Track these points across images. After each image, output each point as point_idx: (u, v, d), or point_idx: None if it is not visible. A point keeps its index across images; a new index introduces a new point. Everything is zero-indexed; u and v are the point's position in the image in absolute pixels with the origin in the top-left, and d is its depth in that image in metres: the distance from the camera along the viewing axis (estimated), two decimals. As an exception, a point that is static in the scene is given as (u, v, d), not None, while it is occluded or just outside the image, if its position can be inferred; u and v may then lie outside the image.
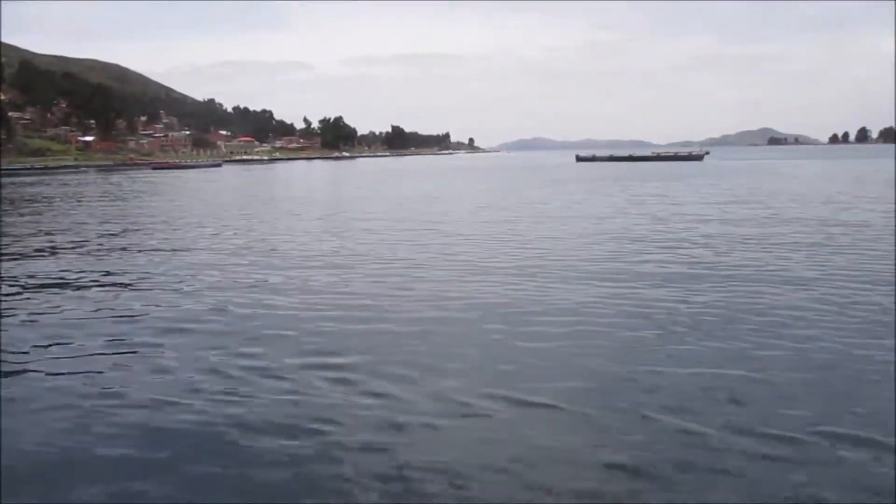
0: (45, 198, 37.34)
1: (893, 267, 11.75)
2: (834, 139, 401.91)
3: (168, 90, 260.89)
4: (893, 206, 23.47)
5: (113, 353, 7.70)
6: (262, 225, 21.43)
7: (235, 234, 19.09)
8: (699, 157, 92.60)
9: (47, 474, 4.95)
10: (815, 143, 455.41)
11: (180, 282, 11.86)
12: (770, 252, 13.54)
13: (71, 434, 5.57)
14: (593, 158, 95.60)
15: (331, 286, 11.07)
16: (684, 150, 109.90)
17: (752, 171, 58.86)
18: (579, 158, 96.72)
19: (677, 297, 9.65)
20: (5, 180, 61.26)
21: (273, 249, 15.66)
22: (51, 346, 8.02)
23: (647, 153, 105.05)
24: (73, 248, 16.69)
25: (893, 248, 13.89)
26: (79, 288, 11.54)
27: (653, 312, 8.79)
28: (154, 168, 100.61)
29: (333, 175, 71.42)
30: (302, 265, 13.29)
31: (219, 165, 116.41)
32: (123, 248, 16.30)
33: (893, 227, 17.46)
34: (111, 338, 8.30)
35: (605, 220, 20.57)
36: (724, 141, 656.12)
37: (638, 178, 46.90)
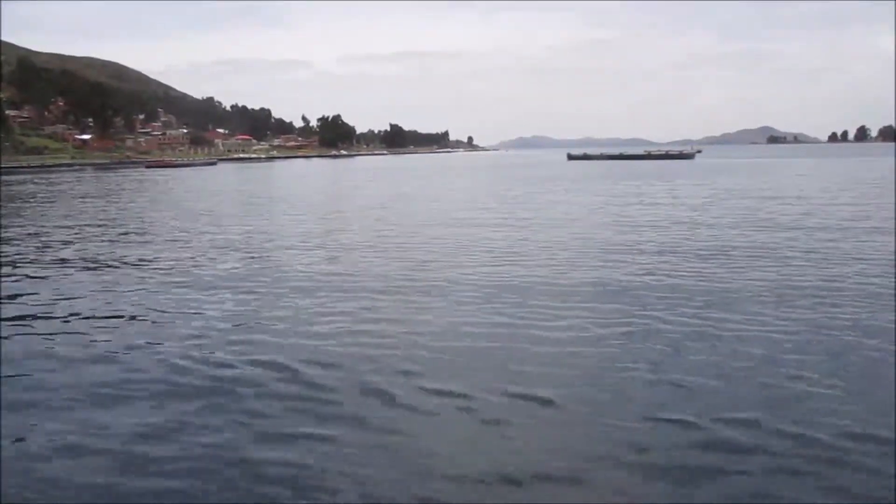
0: (23, 197, 37.83)
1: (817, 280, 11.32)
2: (833, 138, 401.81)
3: (167, 88, 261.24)
4: (862, 206, 23.91)
5: None
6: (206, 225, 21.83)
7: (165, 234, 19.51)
8: (690, 156, 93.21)
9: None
10: (814, 141, 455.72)
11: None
12: (712, 262, 12.97)
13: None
14: (584, 157, 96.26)
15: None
16: (677, 149, 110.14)
17: (739, 169, 59.18)
18: (571, 157, 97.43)
19: (600, 317, 8.91)
20: (-2, 178, 61.79)
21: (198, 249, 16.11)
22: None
23: (641, 152, 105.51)
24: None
25: (841, 256, 13.75)
26: None
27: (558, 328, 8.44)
28: (148, 166, 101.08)
29: (324, 174, 71.89)
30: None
31: (214, 164, 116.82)
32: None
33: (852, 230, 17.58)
34: None
35: (570, 223, 20.30)
36: (724, 139, 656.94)
37: (624, 177, 47.29)
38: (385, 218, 22.53)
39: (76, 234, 19.60)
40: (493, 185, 41.86)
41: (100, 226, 21.74)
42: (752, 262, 12.69)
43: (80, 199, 34.32)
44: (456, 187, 41.20)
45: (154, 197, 36.73)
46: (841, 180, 40.74)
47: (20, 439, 5.58)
